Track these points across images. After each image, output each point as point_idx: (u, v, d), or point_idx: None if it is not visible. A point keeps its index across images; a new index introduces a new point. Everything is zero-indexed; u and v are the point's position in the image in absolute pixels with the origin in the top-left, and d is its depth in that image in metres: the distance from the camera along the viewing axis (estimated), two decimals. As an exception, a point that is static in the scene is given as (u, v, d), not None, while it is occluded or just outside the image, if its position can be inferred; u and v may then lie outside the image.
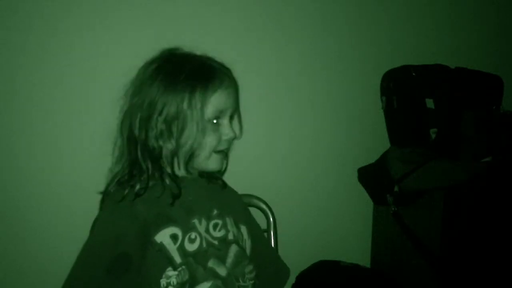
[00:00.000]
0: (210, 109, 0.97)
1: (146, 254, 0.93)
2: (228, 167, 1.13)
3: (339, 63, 1.80)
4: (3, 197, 1.39)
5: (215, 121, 0.99)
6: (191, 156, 0.98)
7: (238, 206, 1.13)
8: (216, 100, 0.98)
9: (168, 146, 0.97)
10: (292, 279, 1.59)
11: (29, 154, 1.41)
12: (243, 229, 1.08)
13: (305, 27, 1.74)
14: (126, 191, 0.96)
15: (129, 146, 0.99)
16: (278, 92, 1.71)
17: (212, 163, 1.01)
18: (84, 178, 1.45)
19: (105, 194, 1.00)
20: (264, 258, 1.13)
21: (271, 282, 1.13)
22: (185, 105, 0.95)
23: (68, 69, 1.43)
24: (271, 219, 1.34)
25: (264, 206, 1.34)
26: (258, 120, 1.65)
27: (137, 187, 0.96)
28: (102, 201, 1.01)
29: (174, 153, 0.98)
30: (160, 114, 0.96)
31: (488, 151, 1.60)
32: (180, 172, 1.01)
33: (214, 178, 1.10)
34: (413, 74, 1.67)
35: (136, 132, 0.97)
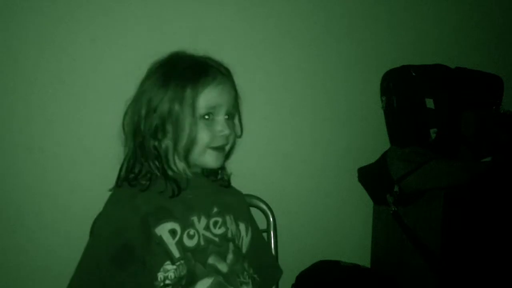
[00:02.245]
0: (201, 104, 0.99)
1: (150, 246, 0.94)
2: (229, 167, 1.13)
3: (339, 63, 1.80)
4: (3, 197, 1.39)
5: (207, 117, 1.00)
6: (188, 152, 0.99)
7: (240, 205, 1.13)
8: (207, 96, 0.99)
9: (164, 143, 1.00)
10: (292, 279, 1.59)
11: (30, 154, 1.41)
12: (242, 226, 1.08)
13: (305, 27, 1.74)
14: (129, 186, 1.00)
15: (131, 144, 1.02)
16: (278, 92, 1.71)
17: (207, 160, 1.02)
18: (85, 178, 1.45)
19: (111, 190, 1.03)
20: (260, 258, 1.13)
21: (262, 281, 1.13)
22: (177, 101, 0.98)
23: (68, 69, 1.43)
24: (271, 219, 1.34)
25: (264, 206, 1.34)
26: (258, 120, 1.65)
27: (141, 183, 0.99)
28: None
29: (172, 150, 1.00)
30: (155, 111, 0.99)
31: (488, 151, 1.60)
32: (180, 168, 1.02)
33: (218, 177, 1.12)
34: (413, 74, 1.67)
35: (136, 130, 1.01)
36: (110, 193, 1.02)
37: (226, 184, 1.13)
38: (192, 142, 0.98)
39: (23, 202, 1.40)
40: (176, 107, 0.98)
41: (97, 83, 1.46)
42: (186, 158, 1.00)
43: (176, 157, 1.01)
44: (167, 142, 1.00)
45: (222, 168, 1.12)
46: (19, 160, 1.40)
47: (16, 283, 1.39)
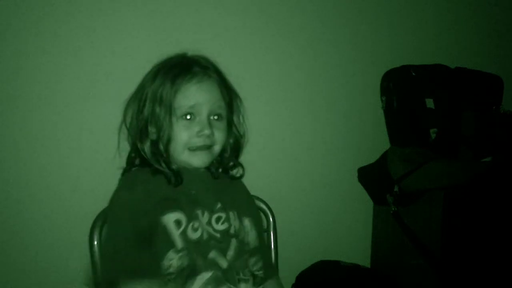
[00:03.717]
0: (180, 103, 0.99)
1: (157, 233, 0.95)
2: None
3: (339, 63, 1.80)
4: (4, 197, 1.39)
5: (188, 117, 1.00)
6: (167, 151, 1.00)
7: (243, 200, 1.13)
8: (185, 94, 0.99)
9: (146, 144, 1.01)
10: (292, 279, 1.59)
11: (30, 153, 1.42)
12: (246, 221, 1.08)
13: (305, 27, 1.74)
14: (140, 169, 1.02)
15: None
16: (278, 92, 1.71)
17: (190, 159, 1.02)
18: (86, 177, 1.45)
19: (125, 171, 1.05)
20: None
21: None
22: (157, 101, 0.99)
23: (69, 68, 1.44)
24: (271, 219, 1.33)
25: (264, 206, 1.33)
26: (257, 120, 1.65)
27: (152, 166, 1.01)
28: (122, 178, 1.05)
29: (157, 149, 1.01)
30: (141, 112, 1.01)
31: (488, 151, 1.60)
32: (169, 166, 1.02)
33: (219, 170, 1.11)
34: (413, 74, 1.67)
35: (129, 130, 1.04)
36: (111, 192, 1.01)
37: (229, 178, 1.12)
38: (168, 141, 0.99)
39: (24, 202, 1.40)
40: (157, 107, 0.99)
41: (97, 83, 1.46)
42: (167, 156, 1.01)
43: (162, 156, 1.01)
44: (151, 142, 1.01)
45: (238, 164, 1.12)
46: (19, 160, 1.40)
47: (17, 283, 1.39)
